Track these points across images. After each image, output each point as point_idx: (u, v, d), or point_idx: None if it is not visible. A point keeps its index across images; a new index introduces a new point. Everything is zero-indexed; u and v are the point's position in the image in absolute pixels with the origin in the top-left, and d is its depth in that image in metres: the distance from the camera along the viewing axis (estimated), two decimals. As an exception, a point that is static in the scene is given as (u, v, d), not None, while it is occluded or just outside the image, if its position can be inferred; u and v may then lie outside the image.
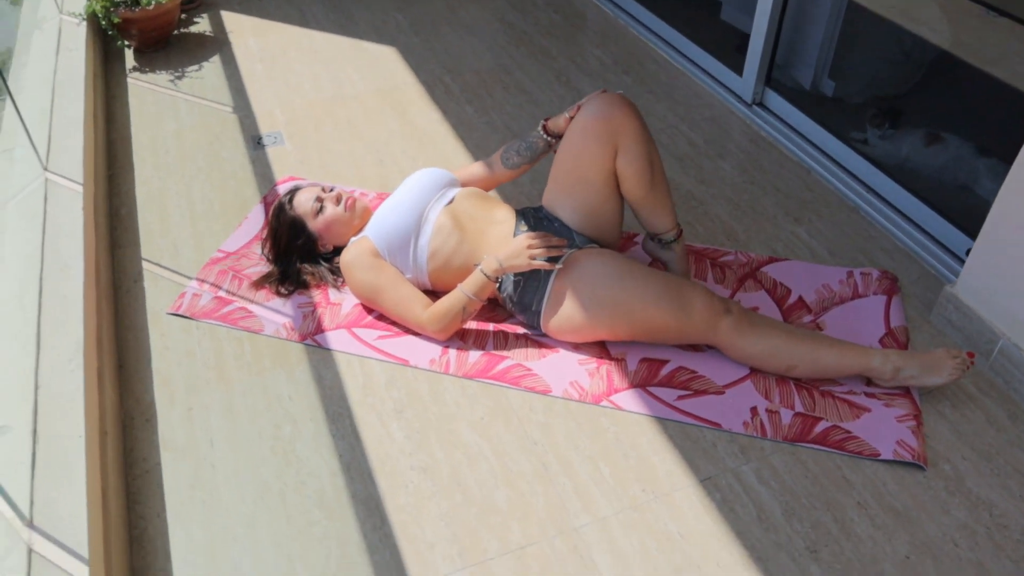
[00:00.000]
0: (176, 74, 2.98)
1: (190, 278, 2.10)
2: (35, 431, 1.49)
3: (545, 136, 2.13)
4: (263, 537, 1.55)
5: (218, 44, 3.20)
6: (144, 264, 2.15)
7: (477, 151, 2.59)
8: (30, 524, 1.35)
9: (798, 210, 2.37)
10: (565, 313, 1.85)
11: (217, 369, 1.88)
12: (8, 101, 2.13)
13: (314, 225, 2.03)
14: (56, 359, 1.63)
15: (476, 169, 2.21)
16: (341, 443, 1.72)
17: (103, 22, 2.84)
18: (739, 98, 2.84)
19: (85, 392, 1.56)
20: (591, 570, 1.49)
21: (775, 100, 2.75)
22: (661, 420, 1.77)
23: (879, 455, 1.70)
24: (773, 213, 2.36)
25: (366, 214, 2.08)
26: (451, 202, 1.98)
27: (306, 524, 1.57)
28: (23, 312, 1.71)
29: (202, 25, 3.34)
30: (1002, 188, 1.80)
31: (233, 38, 3.24)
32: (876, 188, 2.40)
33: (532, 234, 1.84)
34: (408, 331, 1.97)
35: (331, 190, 2.08)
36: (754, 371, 1.88)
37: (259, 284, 2.07)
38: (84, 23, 2.90)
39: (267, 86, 2.94)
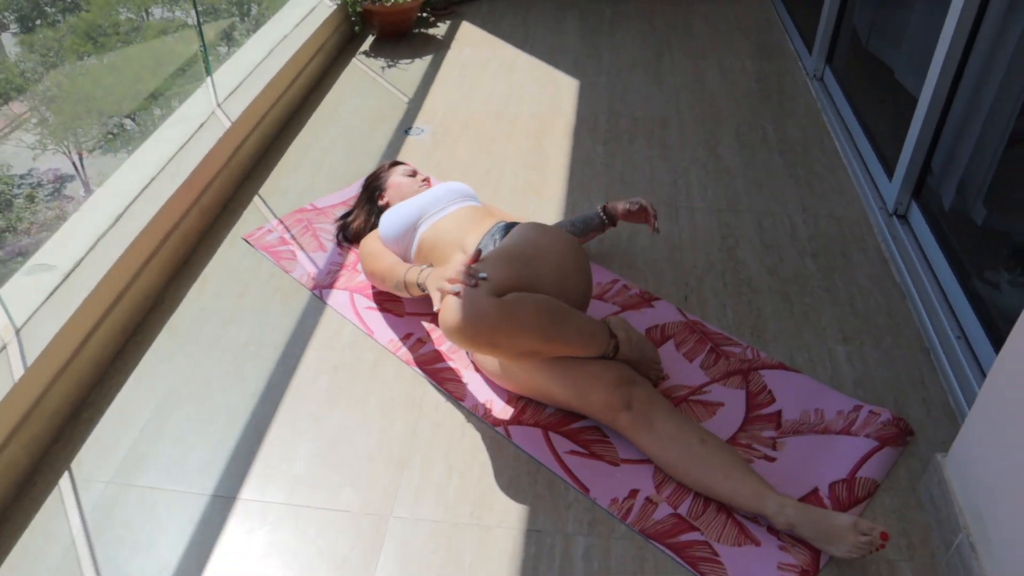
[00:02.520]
0: (390, 63, 3.48)
1: (276, 217, 2.53)
2: (71, 273, 1.99)
3: (602, 216, 2.34)
4: (175, 411, 1.88)
5: (441, 47, 3.65)
6: (256, 197, 2.62)
7: (573, 188, 2.68)
8: (17, 332, 1.83)
9: (856, 331, 2.12)
10: (483, 361, 1.94)
11: (242, 287, 2.26)
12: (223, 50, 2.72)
13: (389, 175, 2.32)
14: (119, 233, 2.13)
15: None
16: (277, 374, 1.99)
17: (350, 9, 3.42)
18: (883, 204, 2.56)
19: (115, 264, 2.02)
20: (371, 554, 1.59)
21: (917, 219, 2.43)
22: (539, 464, 1.77)
23: (728, 591, 1.54)
24: (825, 325, 2.14)
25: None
26: (442, 219, 2.07)
27: (208, 417, 1.87)
28: (122, 199, 2.25)
29: (440, 29, 3.83)
30: (993, 365, 1.50)
31: (455, 45, 3.67)
32: (973, 340, 2.05)
33: (461, 270, 1.67)
34: (392, 308, 2.18)
35: (424, 177, 2.34)
36: (662, 458, 1.78)
37: (336, 219, 2.43)
38: (335, 7, 3.51)
39: (450, 89, 3.30)
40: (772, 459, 1.79)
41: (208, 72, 2.71)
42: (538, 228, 1.92)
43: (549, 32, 3.82)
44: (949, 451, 1.66)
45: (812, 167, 2.79)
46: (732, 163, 2.81)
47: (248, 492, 1.72)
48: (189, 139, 2.50)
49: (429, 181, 2.34)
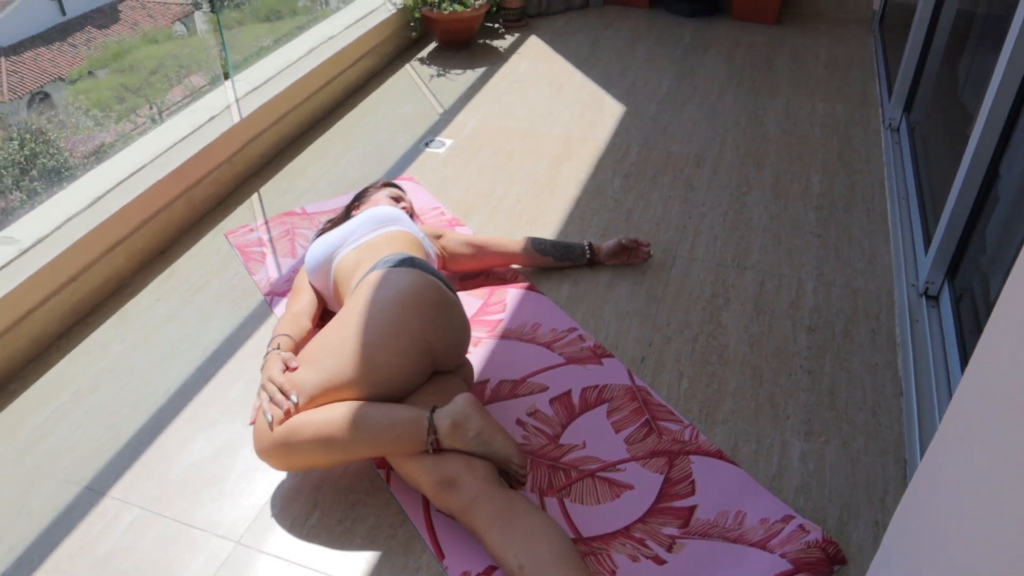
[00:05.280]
0: (441, 72, 3.42)
1: (264, 216, 2.53)
2: (27, 248, 2.07)
3: (587, 252, 2.32)
4: (89, 396, 1.91)
5: (499, 60, 3.54)
6: (255, 195, 2.64)
7: (572, 220, 2.51)
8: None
9: (825, 426, 1.83)
10: None
11: (203, 283, 2.27)
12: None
13: (375, 192, 2.22)
14: (90, 216, 2.19)
15: (498, 240, 2.26)
16: (196, 375, 1.97)
17: (410, 14, 3.40)
18: (915, 281, 2.21)
19: (72, 245, 2.08)
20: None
21: (947, 304, 2.08)
22: (406, 517, 1.64)
23: None
24: (790, 414, 1.86)
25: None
26: (350, 251, 1.91)
27: (114, 408, 1.88)
28: (107, 183, 2.32)
29: (506, 42, 3.72)
30: (905, 495, 1.23)
31: (515, 59, 3.55)
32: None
33: (274, 380, 1.64)
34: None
35: (405, 204, 2.24)
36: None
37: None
38: (395, 11, 3.48)
39: (490, 103, 3.20)
40: (663, 562, 1.57)
41: (228, 75, 2.77)
42: (372, 299, 1.68)
43: (617, 54, 3.62)
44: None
45: (848, 228, 2.46)
46: (756, 214, 2.53)
47: (117, 490, 1.71)
48: (192, 131, 2.55)
49: (409, 209, 2.25)
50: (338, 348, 1.61)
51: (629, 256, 2.32)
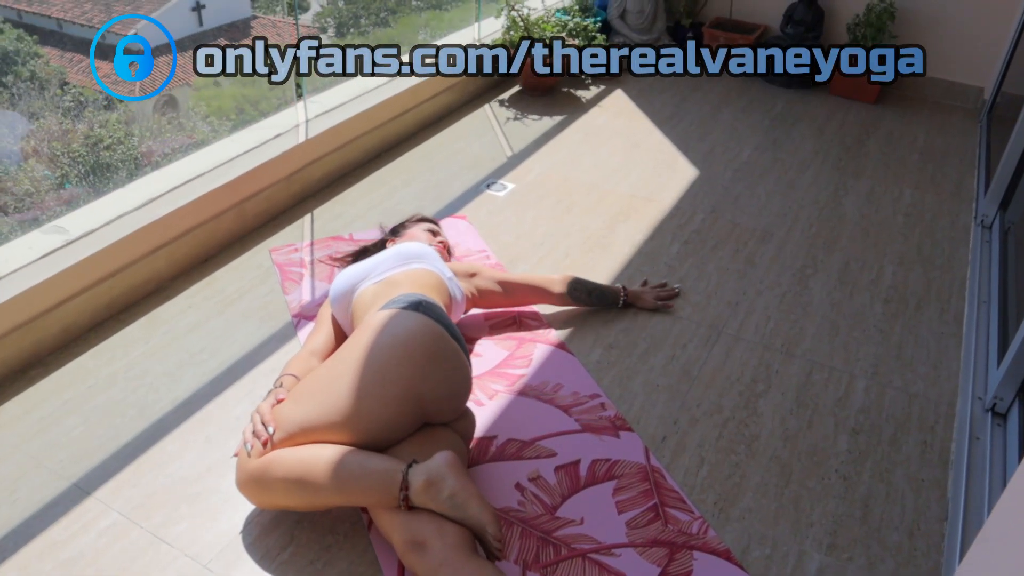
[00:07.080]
0: (518, 115, 3.38)
1: (311, 237, 2.52)
2: (73, 239, 2.12)
3: (623, 295, 2.31)
4: (101, 393, 1.91)
5: (579, 110, 3.48)
6: (310, 215, 2.65)
7: (617, 279, 2.41)
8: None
9: (852, 541, 1.65)
10: None
11: (237, 296, 2.27)
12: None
13: (411, 225, 2.25)
14: (136, 217, 2.23)
15: (534, 279, 2.24)
16: (206, 388, 1.95)
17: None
18: (983, 394, 2.00)
19: (112, 244, 2.12)
20: None
21: (1016, 424, 1.86)
22: (379, 571, 1.56)
23: None
24: (814, 521, 1.69)
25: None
26: (371, 285, 1.86)
27: (121, 409, 1.88)
28: (163, 187, 2.36)
29: (590, 92, 3.66)
30: None
31: (595, 110, 3.48)
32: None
33: (260, 411, 1.61)
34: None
35: (442, 240, 2.24)
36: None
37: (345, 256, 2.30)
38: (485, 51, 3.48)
39: (560, 152, 3.13)
40: (642, 663, 1.43)
41: (301, 95, 2.82)
42: (367, 342, 1.62)
43: (700, 117, 3.50)
44: None
45: (916, 327, 2.26)
46: (817, 299, 2.36)
47: (102, 492, 1.69)
48: (257, 146, 2.59)
49: (445, 246, 2.22)
50: (324, 389, 1.57)
51: (662, 305, 2.32)
